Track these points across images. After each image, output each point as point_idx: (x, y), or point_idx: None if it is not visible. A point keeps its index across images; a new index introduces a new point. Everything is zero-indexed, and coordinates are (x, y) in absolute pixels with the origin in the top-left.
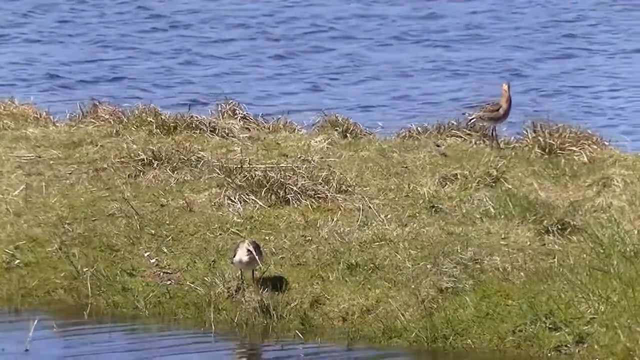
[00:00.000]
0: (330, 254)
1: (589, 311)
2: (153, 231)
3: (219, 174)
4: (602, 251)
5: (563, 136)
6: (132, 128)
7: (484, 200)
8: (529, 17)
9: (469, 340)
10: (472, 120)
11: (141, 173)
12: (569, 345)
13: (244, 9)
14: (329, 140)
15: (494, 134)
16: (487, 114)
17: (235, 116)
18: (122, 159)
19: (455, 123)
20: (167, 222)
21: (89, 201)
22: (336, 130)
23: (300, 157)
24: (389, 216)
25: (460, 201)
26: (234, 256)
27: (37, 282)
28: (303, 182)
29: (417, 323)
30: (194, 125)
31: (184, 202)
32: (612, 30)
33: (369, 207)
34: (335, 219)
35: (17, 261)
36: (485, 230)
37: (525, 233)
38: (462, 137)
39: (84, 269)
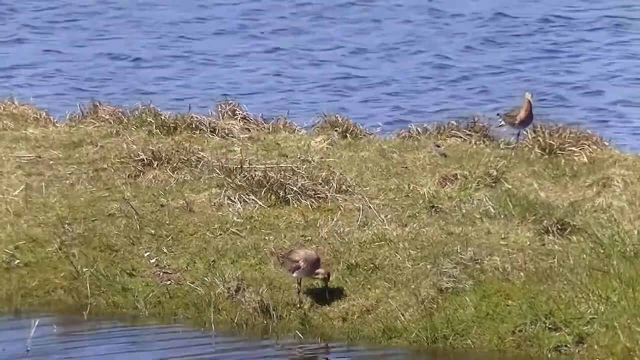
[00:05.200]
0: (330, 254)
1: (588, 311)
2: (153, 231)
3: (218, 174)
4: (602, 251)
5: (563, 136)
6: (132, 128)
7: (484, 200)
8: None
9: (469, 341)
10: (501, 124)
11: (141, 173)
12: (568, 345)
13: None
14: (329, 140)
15: (517, 138)
16: (507, 118)
17: (235, 116)
18: (122, 159)
19: (455, 123)
20: (167, 222)
21: (88, 201)
22: (336, 130)
23: (300, 158)
24: (388, 216)
25: (460, 201)
26: (312, 267)
27: (37, 282)
28: (303, 182)
29: (417, 323)
30: (194, 126)
31: (183, 202)
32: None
33: (369, 207)
34: (335, 219)
35: (17, 261)
36: (485, 230)
37: (525, 233)
38: (462, 137)
39: (84, 269)
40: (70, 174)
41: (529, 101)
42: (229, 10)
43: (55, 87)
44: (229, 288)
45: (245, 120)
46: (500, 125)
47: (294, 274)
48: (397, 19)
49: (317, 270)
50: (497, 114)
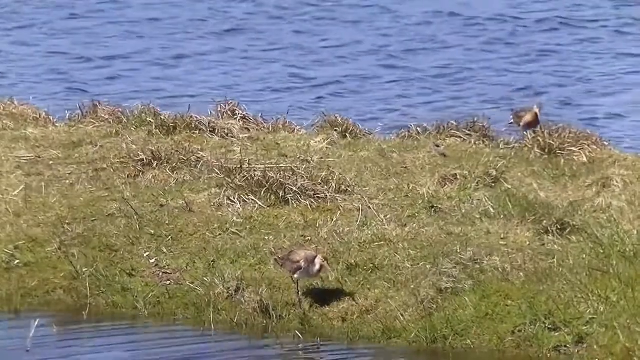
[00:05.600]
0: (330, 254)
1: (588, 311)
2: (152, 231)
3: (218, 174)
4: (601, 251)
5: (562, 136)
6: (132, 128)
7: (484, 200)
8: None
9: (469, 341)
10: (511, 121)
11: (141, 173)
12: (568, 345)
13: None
14: (329, 140)
15: (520, 138)
16: (515, 117)
17: (235, 116)
18: (122, 159)
19: (454, 123)
20: (167, 222)
21: (88, 201)
22: (335, 130)
23: (299, 157)
24: (388, 216)
25: (459, 201)
26: (307, 267)
27: (36, 282)
28: (302, 182)
29: (416, 323)
30: (193, 126)
31: (183, 202)
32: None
33: (369, 207)
34: (334, 219)
35: (17, 261)
36: (485, 230)
37: (525, 233)
38: (461, 137)
39: (84, 269)
40: (69, 174)
41: (537, 112)
42: (183, 10)
43: (4, 89)
44: (229, 288)
45: (245, 120)
46: (511, 123)
47: (296, 275)
48: (351, 19)
49: (315, 262)
50: (512, 109)
